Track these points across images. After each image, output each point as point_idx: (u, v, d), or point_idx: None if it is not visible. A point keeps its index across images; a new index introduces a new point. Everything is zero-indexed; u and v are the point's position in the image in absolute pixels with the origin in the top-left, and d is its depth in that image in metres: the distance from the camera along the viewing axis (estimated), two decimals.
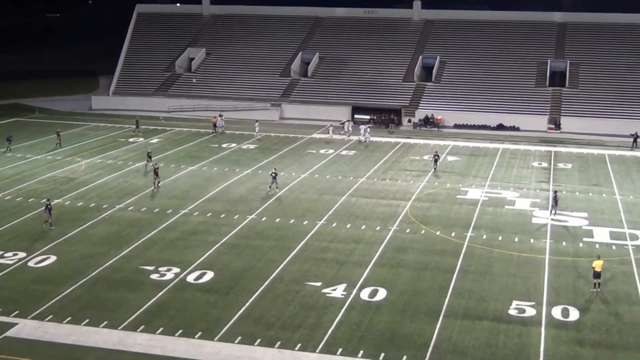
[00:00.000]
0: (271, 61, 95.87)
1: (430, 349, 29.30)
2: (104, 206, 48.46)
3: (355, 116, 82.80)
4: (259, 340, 29.86)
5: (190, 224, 45.05)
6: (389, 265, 38.28)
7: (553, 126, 79.36)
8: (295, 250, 40.42)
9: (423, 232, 43.97)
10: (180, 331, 30.63)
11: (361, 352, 28.98)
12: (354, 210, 48.25)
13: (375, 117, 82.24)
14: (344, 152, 67.08)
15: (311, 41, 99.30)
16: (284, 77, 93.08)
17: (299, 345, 29.54)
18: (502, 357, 28.89)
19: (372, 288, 35.23)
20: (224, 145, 69.58)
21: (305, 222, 45.44)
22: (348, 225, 44.95)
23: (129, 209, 48.14)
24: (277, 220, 45.91)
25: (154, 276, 36.54)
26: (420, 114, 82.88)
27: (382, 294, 34.60)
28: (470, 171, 60.10)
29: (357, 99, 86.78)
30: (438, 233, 43.73)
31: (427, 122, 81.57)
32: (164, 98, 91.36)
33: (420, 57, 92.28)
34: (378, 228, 44.53)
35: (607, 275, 36.52)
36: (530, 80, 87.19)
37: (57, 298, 33.80)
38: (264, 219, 46.20)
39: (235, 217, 46.34)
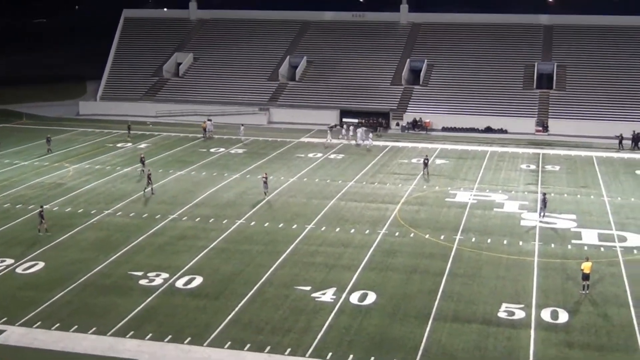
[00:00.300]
0: (259, 65, 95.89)
1: (420, 352, 29.30)
2: (92, 212, 48.28)
3: (344, 120, 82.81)
4: (248, 345, 29.79)
5: (178, 229, 44.93)
6: (378, 269, 38.27)
7: (541, 128, 79.72)
8: (285, 255, 40.36)
9: (412, 235, 44.00)
10: (170, 336, 30.51)
11: (351, 356, 28.95)
12: (343, 214, 48.26)
13: (363, 121, 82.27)
14: (332, 156, 67.09)
15: (299, 45, 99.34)
16: (272, 81, 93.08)
17: (288, 349, 29.49)
18: None
19: (362, 292, 35.21)
20: (212, 150, 69.46)
21: (294, 226, 45.41)
22: (337, 229, 44.93)
23: (118, 214, 47.97)
24: (266, 224, 45.85)
25: (142, 281, 36.42)
26: (408, 117, 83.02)
27: (371, 297, 34.59)
28: (458, 174, 60.21)
29: (345, 103, 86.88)
30: (427, 236, 43.77)
31: (415, 125, 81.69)
32: (151, 103, 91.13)
33: (408, 60, 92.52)
34: (367, 232, 44.55)
35: (596, 277, 36.62)
36: (518, 82, 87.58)
37: (46, 304, 33.61)
38: (252, 223, 46.13)
39: (224, 222, 46.26)
